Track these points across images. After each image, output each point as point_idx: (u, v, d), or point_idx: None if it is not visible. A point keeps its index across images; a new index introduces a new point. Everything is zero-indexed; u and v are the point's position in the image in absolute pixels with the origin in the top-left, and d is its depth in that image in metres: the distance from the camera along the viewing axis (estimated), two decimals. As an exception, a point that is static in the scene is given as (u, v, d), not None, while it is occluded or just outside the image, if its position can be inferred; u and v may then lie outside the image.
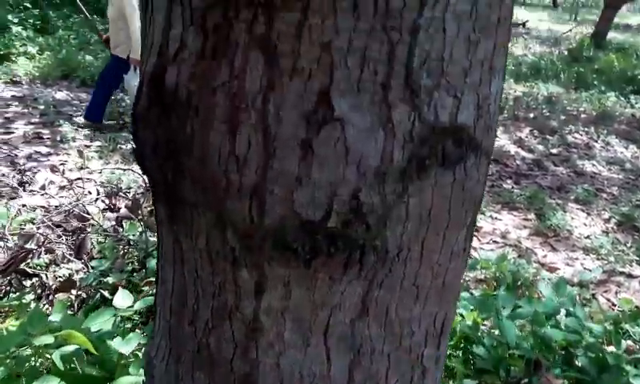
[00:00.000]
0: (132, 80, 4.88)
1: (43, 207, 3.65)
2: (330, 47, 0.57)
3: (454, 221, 0.72)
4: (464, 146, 0.66)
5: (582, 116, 7.18)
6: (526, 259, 3.39)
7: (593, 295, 3.17)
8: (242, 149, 0.62)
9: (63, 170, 3.92)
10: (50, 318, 2.34)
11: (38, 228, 3.25)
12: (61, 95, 6.17)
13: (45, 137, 4.95)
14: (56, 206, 3.61)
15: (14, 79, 6.30)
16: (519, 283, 3.08)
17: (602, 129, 6.55)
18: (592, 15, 17.77)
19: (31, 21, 7.35)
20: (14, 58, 6.67)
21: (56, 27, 7.62)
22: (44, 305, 2.78)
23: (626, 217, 4.22)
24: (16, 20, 7.13)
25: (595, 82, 8.87)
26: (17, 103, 5.68)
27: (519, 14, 16.03)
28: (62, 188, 3.83)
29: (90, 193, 4.00)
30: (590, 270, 3.42)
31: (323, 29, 0.56)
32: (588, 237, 3.98)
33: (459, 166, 0.68)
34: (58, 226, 3.38)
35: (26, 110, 5.57)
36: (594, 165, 5.51)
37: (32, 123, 5.25)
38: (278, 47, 0.58)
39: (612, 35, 12.98)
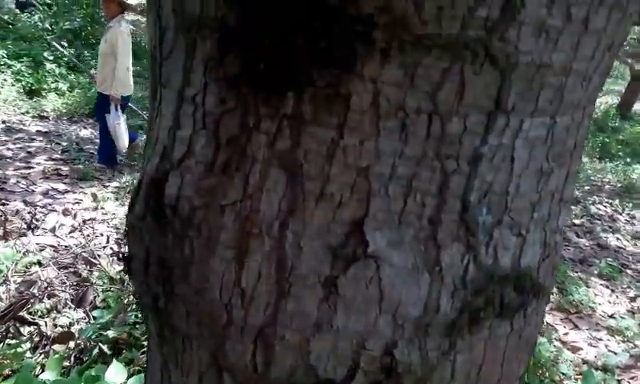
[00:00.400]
0: (114, 119, 4.74)
1: (53, 246, 3.57)
2: (367, 173, 0.46)
3: (506, 375, 0.58)
4: (526, 292, 0.54)
5: (607, 187, 6.98)
6: (546, 337, 3.17)
7: (619, 382, 2.93)
8: (249, 281, 0.50)
9: (75, 213, 3.86)
10: (42, 376, 2.20)
11: (44, 270, 3.16)
12: (85, 133, 6.23)
13: (63, 174, 4.95)
14: (65, 247, 3.53)
15: (42, 114, 6.40)
16: (539, 363, 2.86)
17: (627, 201, 6.34)
18: (618, 85, 17.76)
19: (66, 59, 7.55)
20: (44, 94, 6.81)
21: (89, 65, 7.82)
22: (40, 354, 2.65)
23: (653, 297, 3.98)
24: (51, 57, 7.33)
25: (620, 154, 8.70)
26: (41, 138, 5.74)
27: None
28: (72, 230, 3.76)
29: (101, 235, 3.93)
30: (616, 353, 3.19)
31: (361, 151, 0.45)
32: (612, 316, 3.74)
33: (518, 314, 0.55)
34: (65, 268, 3.29)
35: (48, 146, 5.61)
36: (618, 239, 5.28)
37: (53, 159, 5.27)
38: (304, 167, 0.47)
39: (638, 107, 12.87)
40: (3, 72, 6.88)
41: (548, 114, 0.47)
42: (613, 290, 4.18)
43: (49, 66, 7.24)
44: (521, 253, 0.51)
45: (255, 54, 0.44)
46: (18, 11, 8.27)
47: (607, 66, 0.50)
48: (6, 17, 7.96)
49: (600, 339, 3.45)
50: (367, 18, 0.39)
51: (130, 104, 5.00)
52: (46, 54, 7.41)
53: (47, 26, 8.11)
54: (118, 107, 4.79)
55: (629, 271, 4.60)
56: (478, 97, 0.44)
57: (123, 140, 4.96)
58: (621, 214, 6.08)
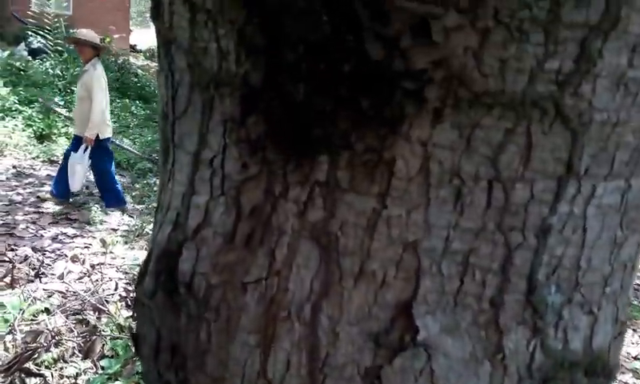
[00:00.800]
0: (78, 159, 4.70)
1: (61, 292, 3.50)
2: (416, 247, 0.39)
3: None
4: (597, 376, 0.46)
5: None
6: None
7: (648, 428, 2.75)
8: (277, 372, 0.43)
9: (83, 259, 3.81)
10: (45, 434, 2.10)
11: (51, 318, 3.08)
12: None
13: (73, 218, 4.92)
14: (73, 293, 3.46)
15: (52, 159, 6.45)
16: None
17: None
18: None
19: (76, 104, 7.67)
20: (54, 138, 6.88)
21: (99, 109, 7.93)
22: (45, 408, 2.55)
23: (675, 335, 3.79)
24: (62, 102, 7.45)
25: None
26: (50, 182, 5.75)
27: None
28: (81, 276, 3.71)
29: (110, 280, 3.86)
30: (643, 397, 3.01)
31: (408, 223, 0.39)
32: (637, 357, 3.57)
33: (587, 402, 0.47)
34: (73, 315, 3.22)
35: (58, 190, 5.61)
36: (637, 276, 5.11)
37: (62, 203, 5.27)
38: (340, 241, 0.40)
39: None
40: (15, 117, 6.98)
41: (623, 176, 0.40)
42: (635, 330, 4.01)
43: (59, 110, 7.35)
44: (592, 333, 0.44)
45: (282, 115, 0.39)
46: (30, 58, 8.46)
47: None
48: (18, 64, 8.15)
49: (626, 383, 3.29)
50: (419, 74, 0.34)
51: (113, 140, 5.00)
52: (56, 99, 7.54)
53: (58, 71, 8.28)
54: (88, 149, 4.76)
55: (650, 309, 4.43)
56: (547, 160, 0.37)
57: (78, 181, 4.94)
58: (638, 250, 5.91)
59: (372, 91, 0.35)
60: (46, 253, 4.22)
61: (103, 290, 3.55)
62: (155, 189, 5.53)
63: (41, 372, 2.77)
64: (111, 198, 5.38)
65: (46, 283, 3.58)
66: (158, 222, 0.53)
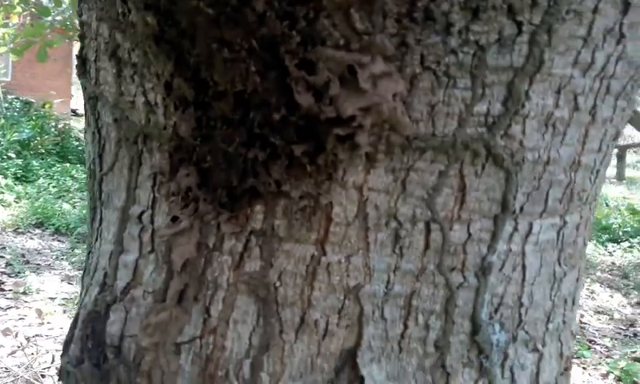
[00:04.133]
0: None
1: (-10, 370, 3.20)
2: (358, 293, 0.38)
3: None
4: (547, 417, 0.45)
5: (564, 263, 7.05)
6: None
7: None
8: (217, 441, 0.40)
9: (17, 333, 3.53)
10: None
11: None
12: (32, 243, 5.90)
13: (7, 289, 4.60)
14: (5, 369, 3.18)
15: (-15, 227, 6.07)
16: None
17: (585, 277, 6.39)
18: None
19: (13, 170, 7.35)
20: (-11, 207, 6.50)
21: (37, 175, 7.62)
22: None
23: (625, 372, 3.89)
24: (-2, 169, 7.10)
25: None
26: (-17, 252, 5.38)
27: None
28: (14, 351, 3.42)
29: (46, 352, 3.58)
30: (597, 437, 3.03)
31: (348, 269, 0.38)
32: (587, 397, 3.62)
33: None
34: (5, 395, 2.93)
35: (-10, 260, 5.26)
36: (582, 314, 5.26)
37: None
38: (279, 291, 0.38)
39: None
40: (-53, 187, 6.57)
41: (558, 213, 0.41)
42: (584, 368, 4.10)
43: (-6, 178, 7.00)
44: (538, 371, 0.44)
45: (215, 166, 0.37)
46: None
47: (609, 158, 0.46)
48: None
49: (577, 422, 3.31)
50: (349, 120, 0.34)
51: None
52: (-7, 164, 7.19)
53: (-6, 138, 7.96)
54: None
55: (597, 347, 4.55)
56: (482, 200, 0.38)
57: None
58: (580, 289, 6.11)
59: (304, 139, 0.35)
60: (-25, 328, 3.88)
61: (39, 364, 3.29)
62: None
63: None
64: None
65: (-25, 359, 3.27)
66: (85, 286, 0.49)
